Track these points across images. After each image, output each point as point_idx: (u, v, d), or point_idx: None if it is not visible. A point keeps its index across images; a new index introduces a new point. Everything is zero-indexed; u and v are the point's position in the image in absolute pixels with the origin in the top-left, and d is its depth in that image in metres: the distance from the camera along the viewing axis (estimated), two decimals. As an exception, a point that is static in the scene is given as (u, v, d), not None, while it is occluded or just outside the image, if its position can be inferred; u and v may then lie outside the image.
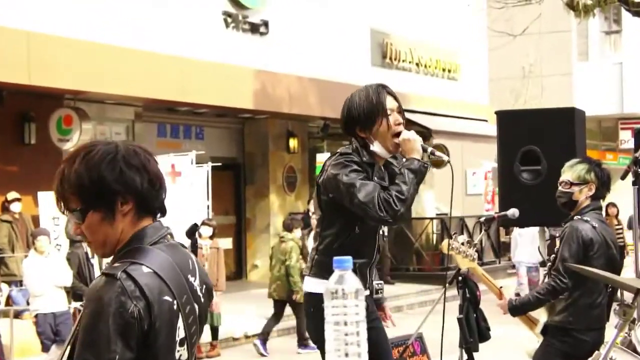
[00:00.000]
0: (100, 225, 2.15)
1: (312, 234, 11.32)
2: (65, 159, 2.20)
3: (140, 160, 2.18)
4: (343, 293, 1.71)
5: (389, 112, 3.62)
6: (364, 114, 3.62)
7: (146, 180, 2.17)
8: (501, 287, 4.78)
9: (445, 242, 4.45)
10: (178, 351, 2.14)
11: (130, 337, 2.03)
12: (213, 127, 16.22)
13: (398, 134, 3.62)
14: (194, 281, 2.22)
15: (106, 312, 2.01)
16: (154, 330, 2.06)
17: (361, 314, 1.73)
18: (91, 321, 2.02)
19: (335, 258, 1.76)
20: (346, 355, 1.71)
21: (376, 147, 3.63)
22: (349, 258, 1.76)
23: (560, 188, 4.80)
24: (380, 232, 3.79)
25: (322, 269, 3.61)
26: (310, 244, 11.12)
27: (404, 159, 3.62)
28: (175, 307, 2.12)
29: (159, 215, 2.24)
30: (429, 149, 3.61)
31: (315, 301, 3.57)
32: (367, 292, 3.70)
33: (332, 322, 1.72)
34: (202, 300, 2.25)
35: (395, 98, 3.69)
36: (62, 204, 2.18)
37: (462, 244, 4.52)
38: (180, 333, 2.14)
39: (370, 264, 3.73)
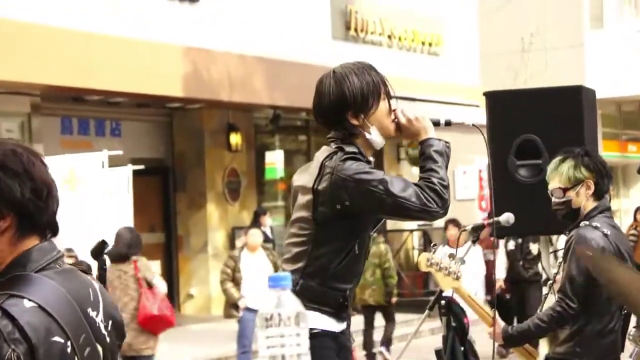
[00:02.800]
0: None
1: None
2: None
3: (21, 163, 2.16)
4: (280, 318, 1.72)
5: (388, 93, 3.80)
6: (361, 95, 3.73)
7: (28, 189, 2.15)
8: (494, 313, 4.82)
9: (422, 257, 4.49)
10: None
11: None
12: (133, 120, 16.15)
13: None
14: (96, 316, 2.22)
15: None
16: None
17: (303, 346, 1.74)
18: None
19: (270, 275, 1.77)
20: (286, 397, 1.72)
21: (374, 134, 3.75)
22: (287, 274, 1.77)
23: (553, 199, 4.86)
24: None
25: (314, 297, 3.65)
26: (245, 265, 11.18)
27: (422, 141, 3.79)
28: (69, 350, 2.11)
29: (48, 234, 2.22)
30: (442, 121, 3.83)
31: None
32: (345, 325, 3.80)
33: (266, 356, 1.73)
34: (108, 339, 2.24)
35: (388, 81, 3.87)
36: None
37: (445, 258, 4.56)
38: None
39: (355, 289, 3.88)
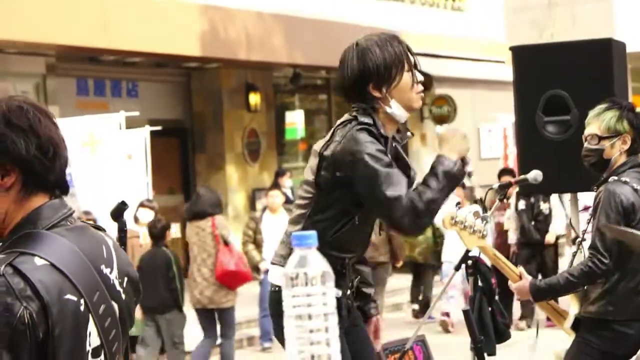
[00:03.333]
0: None
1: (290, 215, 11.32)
2: None
3: (27, 119, 2.16)
4: (306, 278, 1.72)
5: (407, 67, 3.78)
6: (384, 67, 3.73)
7: (34, 146, 2.15)
8: (520, 272, 4.80)
9: (447, 215, 4.47)
10: None
11: (20, 349, 2.02)
12: (150, 81, 16.15)
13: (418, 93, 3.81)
14: (110, 273, 2.22)
15: None
16: (53, 339, 2.05)
17: (330, 305, 1.74)
18: None
19: (295, 233, 1.77)
20: (312, 358, 1.72)
21: (394, 107, 3.75)
22: (313, 233, 1.76)
23: (586, 145, 4.83)
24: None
25: None
26: (266, 227, 11.18)
27: (439, 156, 3.70)
28: (82, 308, 2.11)
29: (57, 193, 2.22)
30: (468, 170, 3.83)
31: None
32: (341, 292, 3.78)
33: (293, 315, 1.73)
34: (124, 296, 2.25)
35: (413, 54, 3.86)
36: None
37: (470, 216, 4.54)
38: (93, 341, 2.14)
39: (358, 257, 3.89)
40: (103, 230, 2.35)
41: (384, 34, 3.85)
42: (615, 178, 4.72)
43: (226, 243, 9.71)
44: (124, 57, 14.89)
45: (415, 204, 3.54)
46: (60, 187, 2.23)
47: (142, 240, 10.24)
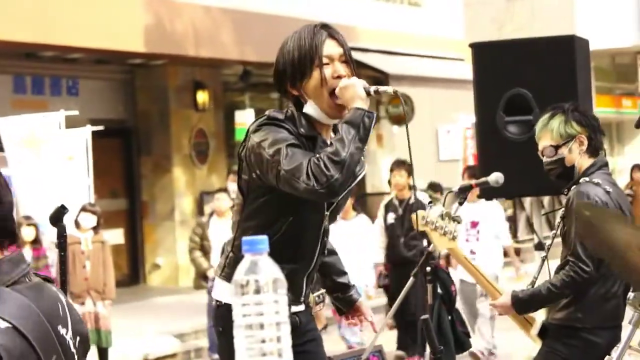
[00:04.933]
0: None
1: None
2: None
3: None
4: (257, 285, 1.71)
5: (325, 60, 3.58)
6: (292, 63, 3.59)
7: None
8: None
9: (419, 214, 4.47)
10: None
11: None
12: (91, 78, 16.05)
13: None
14: (66, 333, 2.22)
15: None
16: None
17: (282, 314, 1.73)
18: None
19: (244, 238, 1.76)
20: (264, 369, 1.71)
21: (310, 108, 3.60)
22: (264, 237, 1.76)
23: (545, 159, 4.85)
24: (325, 229, 3.75)
25: None
26: (214, 232, 11.12)
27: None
28: None
29: (7, 244, 2.19)
30: (372, 89, 3.52)
31: (227, 314, 3.58)
32: (301, 307, 3.74)
33: (243, 325, 1.72)
34: (76, 357, 2.25)
35: (342, 44, 3.64)
36: None
37: (440, 217, 4.55)
38: None
39: (309, 270, 3.73)
40: (52, 282, 2.33)
41: (309, 26, 3.66)
42: (587, 180, 4.75)
43: None
44: (64, 53, 14.78)
45: (318, 162, 3.36)
46: (9, 236, 2.20)
47: (83, 246, 10.18)
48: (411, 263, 9.39)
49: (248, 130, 3.62)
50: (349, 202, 9.62)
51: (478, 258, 9.27)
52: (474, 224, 9.87)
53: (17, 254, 2.19)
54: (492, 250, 10.11)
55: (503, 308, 4.76)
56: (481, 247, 9.92)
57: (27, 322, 2.10)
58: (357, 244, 9.91)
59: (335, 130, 3.64)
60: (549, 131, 4.83)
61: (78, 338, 2.27)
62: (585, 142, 4.81)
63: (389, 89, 3.57)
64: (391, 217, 10.07)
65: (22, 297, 2.13)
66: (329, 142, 3.61)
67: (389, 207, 10.11)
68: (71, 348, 2.23)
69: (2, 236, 2.18)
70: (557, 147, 4.82)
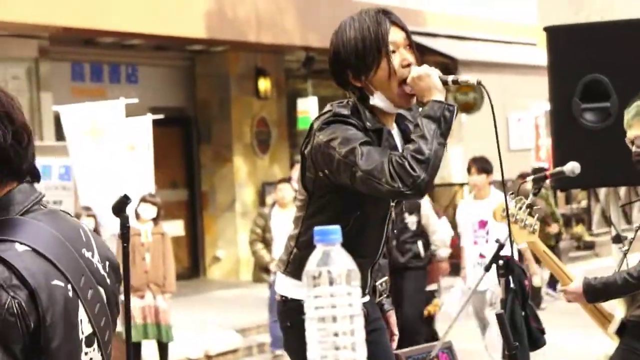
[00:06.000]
0: None
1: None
2: None
3: (3, 106, 2.20)
4: (330, 277, 1.71)
5: (392, 48, 3.51)
6: (355, 54, 3.51)
7: (10, 133, 2.19)
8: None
9: (498, 207, 4.44)
10: (86, 354, 2.16)
11: (11, 342, 2.04)
12: (151, 65, 16.17)
13: (406, 80, 3.50)
14: (92, 257, 2.25)
15: None
16: (45, 329, 2.08)
17: (356, 306, 1.73)
18: None
19: (316, 228, 1.76)
20: (336, 363, 1.71)
21: (377, 99, 3.54)
22: (337, 227, 1.75)
23: (635, 150, 4.73)
24: (391, 219, 3.75)
25: (304, 268, 3.57)
26: (276, 224, 11.13)
27: (421, 108, 3.54)
28: (71, 294, 2.14)
29: (27, 179, 2.26)
30: (450, 79, 3.47)
31: (294, 310, 3.60)
32: (367, 298, 3.75)
33: (315, 318, 1.72)
34: (108, 281, 2.28)
35: (403, 28, 3.58)
36: None
37: (520, 209, 4.51)
38: (85, 328, 2.17)
39: (374, 261, 3.75)
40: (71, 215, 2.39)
41: (370, 10, 3.57)
42: None
43: None
44: (123, 40, 14.90)
45: (402, 161, 3.32)
46: (31, 174, 2.27)
47: (143, 238, 10.26)
48: (405, 269, 9.66)
49: (311, 127, 3.58)
50: None
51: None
52: (483, 224, 9.36)
53: (27, 185, 2.25)
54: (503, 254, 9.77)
55: (574, 295, 4.71)
56: (491, 250, 9.49)
57: (46, 244, 2.14)
58: None
59: (399, 122, 3.64)
60: None
61: (107, 262, 2.30)
62: None
63: (471, 78, 3.51)
64: None
65: (36, 222, 2.18)
66: (393, 135, 3.59)
67: None
68: (100, 271, 2.26)
69: (28, 174, 2.25)
70: None
